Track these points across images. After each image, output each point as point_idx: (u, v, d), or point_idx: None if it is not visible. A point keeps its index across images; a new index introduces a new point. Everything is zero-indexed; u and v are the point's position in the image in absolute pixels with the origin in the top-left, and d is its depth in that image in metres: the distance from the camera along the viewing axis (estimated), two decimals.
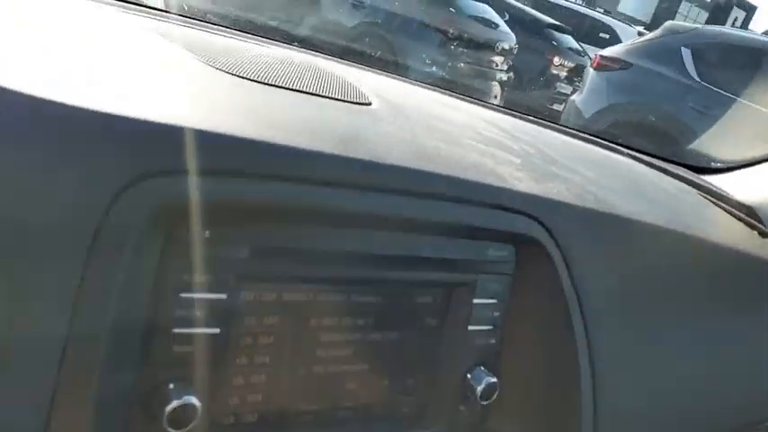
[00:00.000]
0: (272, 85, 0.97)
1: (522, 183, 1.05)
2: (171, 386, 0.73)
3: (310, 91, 1.01)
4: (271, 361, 0.83)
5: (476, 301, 0.98)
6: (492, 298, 1.00)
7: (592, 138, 1.91)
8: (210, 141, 0.71)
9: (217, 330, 0.76)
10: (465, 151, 1.07)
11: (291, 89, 0.98)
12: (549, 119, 1.97)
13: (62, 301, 0.61)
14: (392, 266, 0.90)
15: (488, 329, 1.00)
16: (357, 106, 1.05)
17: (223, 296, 0.75)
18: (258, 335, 0.81)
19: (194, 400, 0.72)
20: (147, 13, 1.35)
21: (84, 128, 0.64)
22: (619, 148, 1.84)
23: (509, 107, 1.95)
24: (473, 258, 0.97)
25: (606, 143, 1.87)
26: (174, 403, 0.71)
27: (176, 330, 0.73)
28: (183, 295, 0.73)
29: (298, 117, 0.90)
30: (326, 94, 1.03)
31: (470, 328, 0.98)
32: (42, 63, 0.79)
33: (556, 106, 10.40)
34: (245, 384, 0.81)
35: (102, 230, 0.63)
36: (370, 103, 1.09)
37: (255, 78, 0.97)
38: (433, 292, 0.95)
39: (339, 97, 1.05)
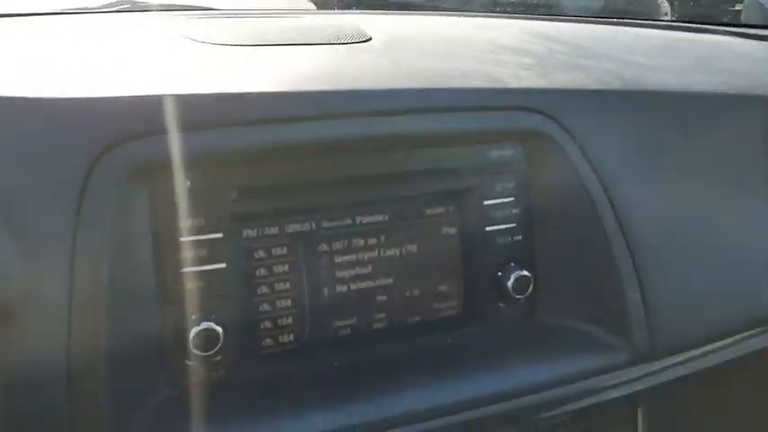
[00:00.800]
0: (254, 45, 1.06)
1: (524, 80, 1.06)
2: (192, 317, 0.84)
3: (297, 43, 1.09)
4: (291, 287, 0.92)
5: (487, 202, 1.01)
6: (506, 197, 1.02)
7: (683, 25, 1.80)
8: (178, 103, 0.82)
9: (223, 265, 0.87)
10: (461, 64, 1.10)
11: (275, 44, 1.07)
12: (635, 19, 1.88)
13: (60, 257, 0.75)
14: (396, 184, 0.97)
15: (510, 228, 1.03)
16: (349, 45, 1.12)
17: (219, 235, 0.86)
18: (272, 266, 0.91)
19: (214, 326, 0.84)
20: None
21: (63, 109, 0.78)
22: (718, 29, 1.72)
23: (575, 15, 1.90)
24: (475, 163, 1.00)
25: (702, 26, 1.76)
26: (195, 330, 0.83)
27: (186, 270, 0.85)
28: (184, 239, 0.85)
29: (279, 66, 0.99)
30: (315, 42, 1.10)
31: (488, 229, 1.01)
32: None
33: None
34: (271, 311, 0.91)
35: (87, 190, 0.76)
36: (368, 40, 1.15)
37: (238, 43, 1.07)
38: (442, 202, 1.00)
39: (332, 42, 1.11)
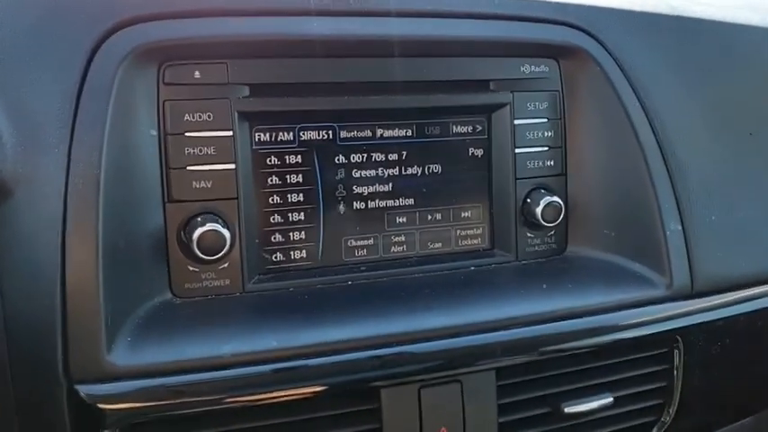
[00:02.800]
0: None
1: None
2: (198, 219, 0.79)
3: None
4: (305, 200, 0.86)
5: (518, 122, 0.94)
6: (539, 118, 0.95)
7: None
8: None
9: (231, 166, 0.81)
10: None
11: None
12: None
13: (58, 141, 0.70)
14: (421, 93, 0.90)
15: (541, 151, 0.96)
16: None
17: (228, 133, 0.80)
18: (284, 175, 0.85)
19: (221, 228, 0.78)
20: None
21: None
22: None
23: None
24: (507, 76, 0.93)
25: None
26: (200, 231, 0.77)
27: (191, 168, 0.79)
28: (190, 134, 0.79)
29: None
30: None
31: (518, 151, 0.94)
32: None
33: None
34: (282, 223, 0.85)
35: (90, 74, 0.71)
36: None
37: None
38: (470, 120, 0.93)
39: None
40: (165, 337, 0.73)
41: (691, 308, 0.93)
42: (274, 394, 0.73)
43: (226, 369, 0.71)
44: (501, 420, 0.81)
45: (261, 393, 0.73)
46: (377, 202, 0.90)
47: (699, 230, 0.93)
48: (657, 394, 0.91)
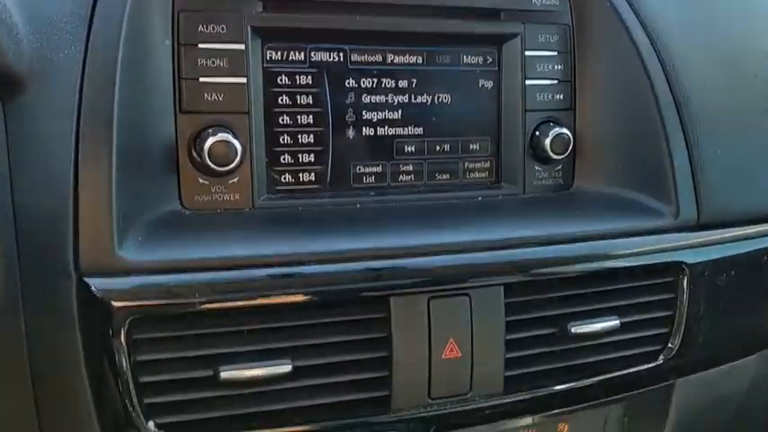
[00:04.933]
0: None
1: None
2: (210, 130, 0.79)
3: None
4: (315, 122, 0.86)
5: (528, 53, 0.94)
6: (549, 50, 0.96)
7: None
8: None
9: (243, 80, 0.81)
10: None
11: None
12: None
13: (75, 41, 0.70)
14: (432, 18, 0.90)
15: (551, 84, 0.96)
16: None
17: (240, 47, 0.80)
18: (295, 95, 0.85)
19: (231, 138, 0.78)
20: None
21: None
22: None
23: None
24: (518, 7, 0.93)
25: None
26: (211, 140, 0.77)
27: (203, 80, 0.79)
28: (203, 46, 0.79)
29: None
30: None
31: (528, 83, 0.95)
32: None
33: None
34: (292, 144, 0.86)
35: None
36: None
37: None
38: (481, 50, 0.93)
39: None
40: (176, 238, 0.73)
41: (697, 239, 0.93)
42: (284, 298, 0.73)
43: (237, 269, 0.71)
44: (508, 337, 0.81)
45: (271, 296, 0.73)
46: (386, 129, 0.90)
47: (706, 163, 0.93)
48: (663, 322, 0.91)
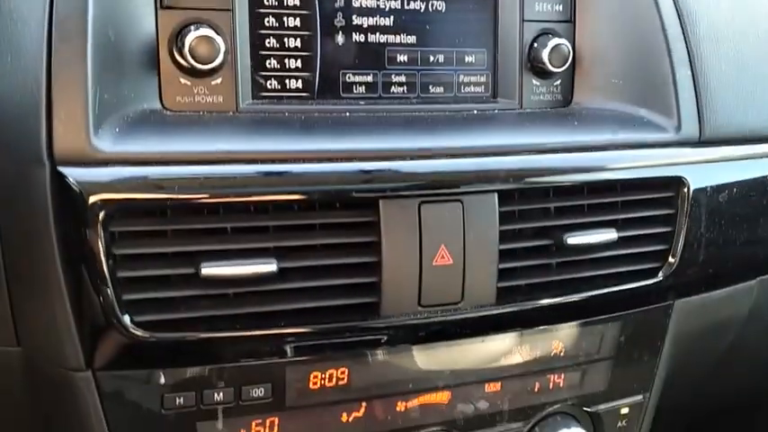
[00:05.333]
0: None
1: None
2: (192, 26, 0.75)
3: None
4: (302, 25, 0.82)
5: None
6: None
7: None
8: None
9: None
10: None
11: None
12: None
13: None
14: None
15: None
16: None
17: None
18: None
19: (213, 34, 0.74)
20: None
21: None
22: None
23: None
24: None
25: None
26: (193, 35, 0.74)
27: None
28: None
29: None
30: None
31: None
32: None
33: None
34: (278, 48, 0.82)
35: None
36: None
37: None
38: None
39: None
40: (156, 133, 0.70)
41: (698, 155, 0.90)
42: (269, 197, 0.70)
43: (220, 164, 0.68)
44: (502, 247, 0.79)
45: (255, 194, 0.70)
46: (377, 35, 0.86)
47: (708, 78, 0.90)
48: (662, 239, 0.88)
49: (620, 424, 0.95)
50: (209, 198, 0.68)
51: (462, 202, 0.76)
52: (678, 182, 0.87)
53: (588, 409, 0.92)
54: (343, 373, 0.79)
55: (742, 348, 1.10)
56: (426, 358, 0.82)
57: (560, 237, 0.81)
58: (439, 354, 0.82)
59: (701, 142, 0.90)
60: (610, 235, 0.83)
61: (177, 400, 0.71)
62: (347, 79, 0.85)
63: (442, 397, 0.84)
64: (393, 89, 0.88)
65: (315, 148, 0.72)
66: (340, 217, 0.73)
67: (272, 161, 0.70)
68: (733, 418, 1.81)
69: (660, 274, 0.88)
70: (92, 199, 0.64)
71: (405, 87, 0.88)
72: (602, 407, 0.93)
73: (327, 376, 0.78)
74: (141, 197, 0.66)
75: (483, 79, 0.92)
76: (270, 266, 0.69)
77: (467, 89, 0.91)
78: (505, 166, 0.79)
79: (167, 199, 0.67)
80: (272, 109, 0.81)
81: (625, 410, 0.95)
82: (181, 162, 0.67)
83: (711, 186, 0.90)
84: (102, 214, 0.64)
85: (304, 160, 0.71)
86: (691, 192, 0.88)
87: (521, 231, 0.81)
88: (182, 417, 0.72)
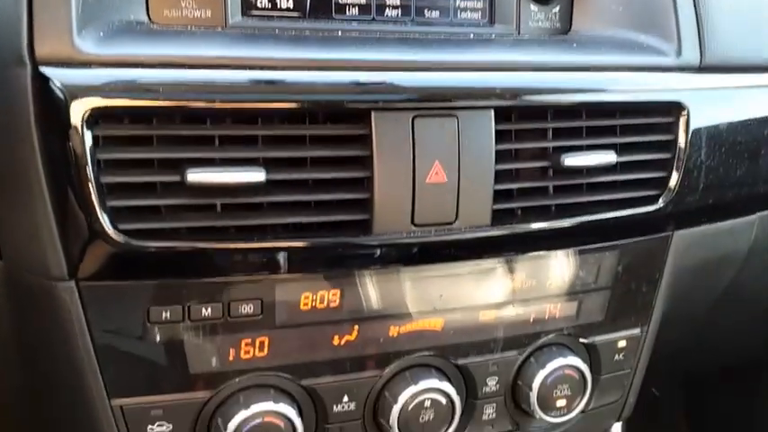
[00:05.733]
0: None
1: None
2: None
3: None
4: None
5: None
6: None
7: None
8: None
9: None
10: None
11: None
12: None
13: None
14: None
15: None
16: None
17: None
18: None
19: None
20: None
21: None
22: None
23: None
24: None
25: None
26: None
27: None
28: None
29: None
30: None
31: None
32: None
33: None
34: None
35: None
36: None
37: None
38: None
39: None
40: (142, 38, 0.68)
41: (698, 82, 0.88)
42: (258, 104, 0.68)
43: (208, 69, 0.66)
44: (498, 168, 0.77)
45: (242, 101, 0.68)
46: None
47: (710, 4, 0.88)
48: (661, 166, 0.86)
49: (616, 357, 0.94)
50: (196, 103, 0.66)
51: (457, 118, 0.74)
52: (678, 107, 0.85)
53: (584, 341, 0.91)
54: (334, 295, 0.77)
55: (741, 289, 1.08)
56: (420, 282, 0.80)
57: (558, 158, 0.79)
58: (433, 278, 0.80)
59: (702, 68, 0.88)
60: (608, 158, 0.81)
61: (163, 314, 0.70)
62: (339, 0, 0.83)
63: (436, 323, 0.82)
64: (387, 12, 0.85)
65: (306, 57, 0.70)
66: (331, 129, 0.71)
67: (262, 68, 0.68)
68: (732, 384, 1.80)
69: (660, 201, 0.86)
70: (74, 101, 0.62)
71: (399, 10, 0.86)
72: (598, 338, 0.91)
73: (318, 298, 0.76)
74: (126, 100, 0.64)
75: (480, 4, 0.90)
76: (258, 175, 0.67)
77: (463, 14, 0.89)
78: (502, 83, 0.77)
79: (152, 101, 0.64)
80: (262, 25, 0.79)
81: (622, 343, 0.93)
82: (167, 65, 0.65)
83: (711, 114, 0.89)
84: (85, 116, 0.62)
85: (295, 68, 0.69)
86: (690, 118, 0.86)
87: (517, 152, 0.79)
88: (168, 332, 0.71)
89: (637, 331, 0.94)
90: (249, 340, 0.75)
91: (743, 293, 1.10)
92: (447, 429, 0.83)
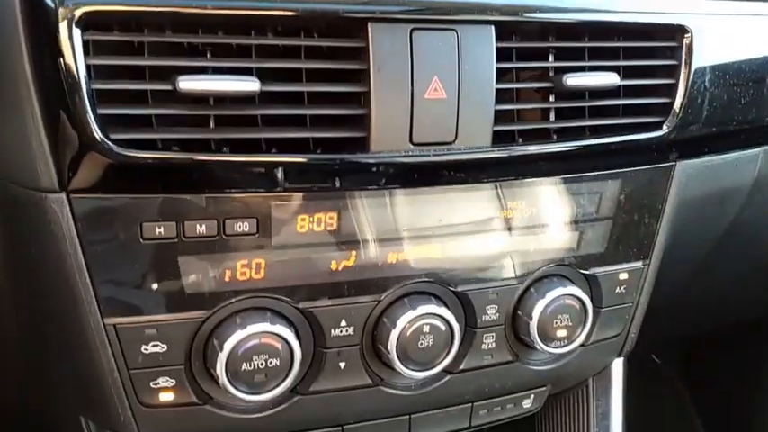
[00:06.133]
0: None
1: None
2: None
3: None
4: None
5: None
6: None
7: None
8: None
9: None
10: None
11: None
12: None
13: None
14: None
15: None
16: None
17: None
18: None
19: None
20: None
21: None
22: None
23: None
24: None
25: None
26: None
27: None
28: None
29: None
30: None
31: None
32: None
33: None
34: None
35: None
36: None
37: None
38: None
39: None
40: None
41: (703, 6, 0.87)
42: (250, 12, 0.66)
43: None
44: (499, 87, 0.75)
45: (235, 8, 0.66)
46: None
47: None
48: (665, 92, 0.85)
49: (618, 290, 0.92)
50: (188, 9, 0.64)
51: (457, 32, 0.72)
52: (682, 31, 0.84)
53: (585, 272, 0.90)
54: (331, 218, 0.75)
55: (743, 229, 1.07)
56: (419, 207, 0.78)
57: (560, 80, 0.78)
58: (432, 202, 0.79)
59: None
60: (611, 79, 0.80)
61: (157, 230, 0.68)
62: None
63: (434, 249, 0.81)
64: None
65: None
66: (327, 41, 0.69)
67: None
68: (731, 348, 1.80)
69: (663, 127, 0.84)
70: (63, 5, 0.60)
71: None
72: (599, 270, 0.90)
73: (315, 220, 0.75)
74: (116, 6, 0.62)
75: None
76: (252, 86, 0.66)
77: None
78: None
79: (144, 9, 0.63)
80: None
81: (624, 276, 0.92)
82: None
83: (716, 40, 0.87)
84: (74, 21, 0.60)
85: None
86: (694, 43, 0.84)
87: (519, 73, 0.78)
88: (162, 249, 0.69)
89: (639, 264, 0.93)
90: (245, 261, 0.73)
91: (745, 233, 1.09)
92: (446, 356, 0.82)
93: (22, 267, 0.72)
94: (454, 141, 0.75)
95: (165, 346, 0.72)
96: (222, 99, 0.67)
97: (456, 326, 0.81)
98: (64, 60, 0.61)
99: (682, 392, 1.98)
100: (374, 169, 0.73)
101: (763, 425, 1.74)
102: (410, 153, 0.73)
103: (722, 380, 1.89)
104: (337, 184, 0.73)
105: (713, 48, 0.87)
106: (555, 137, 0.81)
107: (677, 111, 0.85)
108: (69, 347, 0.74)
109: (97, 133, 0.63)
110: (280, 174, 0.70)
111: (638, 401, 1.10)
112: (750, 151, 0.98)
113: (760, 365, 1.77)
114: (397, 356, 0.80)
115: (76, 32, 0.61)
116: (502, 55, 0.75)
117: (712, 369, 1.91)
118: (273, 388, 0.75)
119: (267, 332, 0.73)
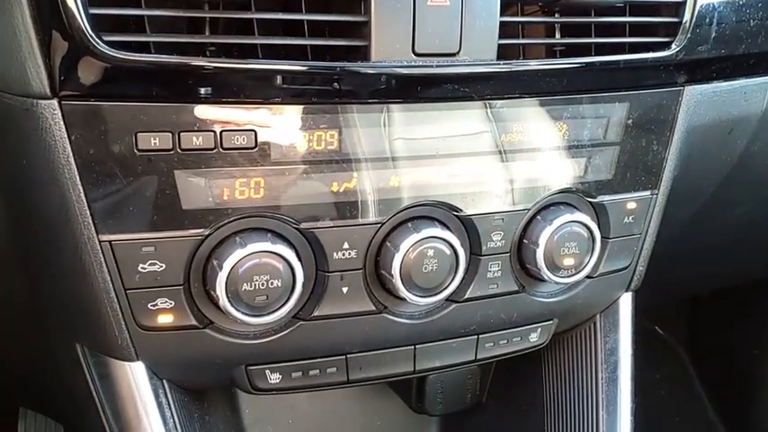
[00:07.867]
0: None
1: None
2: None
3: None
4: None
5: None
6: None
7: None
8: None
9: None
10: None
11: None
12: None
13: None
14: None
15: None
16: None
17: None
18: None
19: None
20: None
21: None
22: None
23: None
24: None
25: None
26: None
27: None
28: None
29: None
30: None
31: None
32: None
33: None
34: None
35: None
36: None
37: None
38: None
39: None
40: None
41: None
42: None
43: None
44: None
45: None
46: None
47: None
48: (672, 10, 0.83)
49: (626, 220, 0.90)
50: None
51: None
52: None
53: (593, 200, 0.88)
54: (332, 136, 0.73)
55: (753, 161, 1.05)
56: (422, 125, 0.76)
57: None
58: (435, 120, 0.76)
59: None
60: None
61: (152, 141, 0.66)
62: None
63: (438, 171, 0.79)
64: None
65: None
66: (326, 14, 0.67)
67: None
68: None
69: (672, 46, 0.82)
70: None
71: None
72: (607, 198, 0.88)
73: (315, 138, 0.73)
74: None
75: None
76: None
77: None
78: None
79: None
80: None
81: (632, 205, 0.90)
82: None
83: None
84: None
85: None
86: None
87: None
88: (159, 162, 0.67)
89: (647, 194, 0.91)
90: (244, 179, 0.71)
91: (753, 169, 1.07)
92: (450, 283, 0.80)
93: (14, 180, 0.70)
94: (458, 53, 0.73)
95: (162, 265, 0.70)
96: (217, 4, 0.65)
97: (461, 251, 0.79)
98: None
99: (684, 360, 1.97)
100: (375, 80, 0.71)
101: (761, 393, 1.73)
102: (413, 63, 0.71)
103: (723, 346, 1.88)
104: (337, 96, 0.71)
105: None
106: (560, 53, 0.78)
107: (686, 30, 0.83)
108: (64, 267, 0.72)
109: (89, 34, 0.60)
110: (277, 83, 0.68)
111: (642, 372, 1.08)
112: (759, 79, 0.95)
113: (761, 333, 1.76)
114: (401, 281, 0.78)
115: None
116: None
117: (713, 336, 1.90)
118: (275, 311, 0.73)
119: (268, 251, 0.71)
